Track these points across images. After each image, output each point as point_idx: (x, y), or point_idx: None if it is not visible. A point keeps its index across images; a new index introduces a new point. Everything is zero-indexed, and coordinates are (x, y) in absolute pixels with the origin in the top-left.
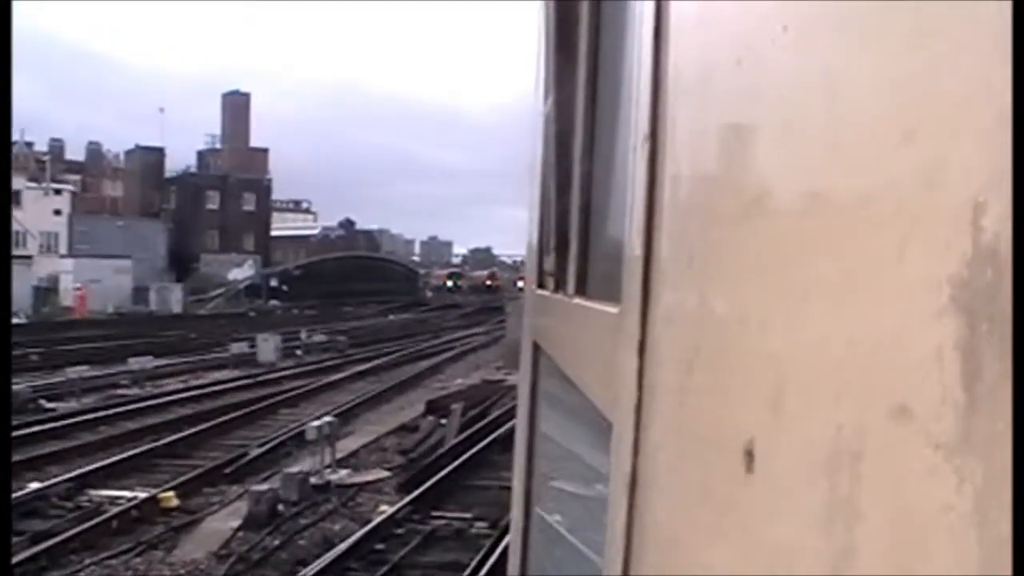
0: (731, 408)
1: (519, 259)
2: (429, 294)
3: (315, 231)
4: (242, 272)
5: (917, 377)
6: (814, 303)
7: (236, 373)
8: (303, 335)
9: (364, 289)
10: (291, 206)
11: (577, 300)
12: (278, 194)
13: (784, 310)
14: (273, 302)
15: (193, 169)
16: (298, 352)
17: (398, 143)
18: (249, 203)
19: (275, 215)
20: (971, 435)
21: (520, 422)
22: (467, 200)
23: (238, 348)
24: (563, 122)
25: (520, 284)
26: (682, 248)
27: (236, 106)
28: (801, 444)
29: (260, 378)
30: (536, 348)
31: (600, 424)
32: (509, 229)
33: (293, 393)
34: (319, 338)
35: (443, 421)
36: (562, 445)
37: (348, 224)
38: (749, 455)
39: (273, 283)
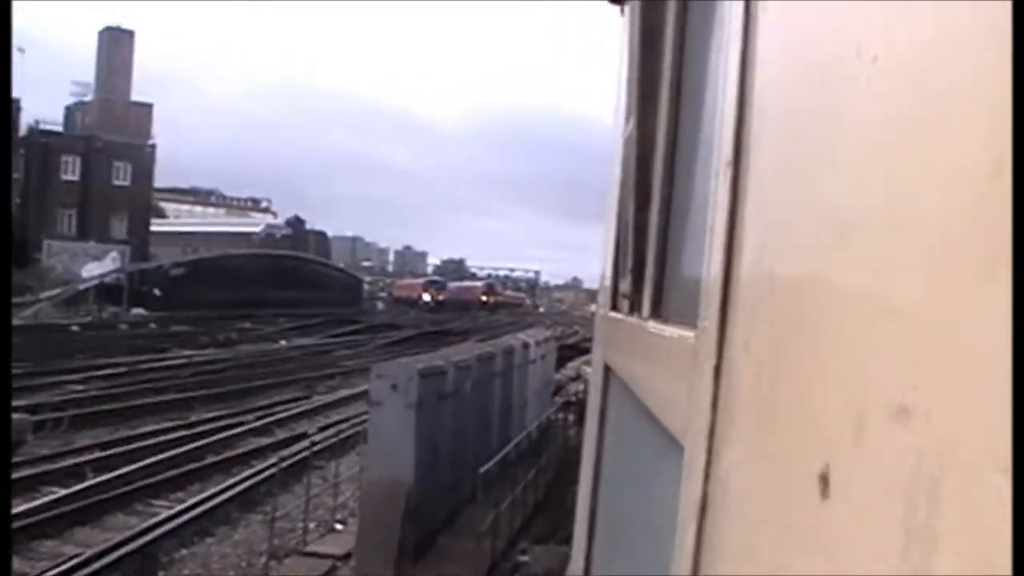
0: (808, 434)
1: (491, 272)
2: (380, 306)
3: (257, 228)
4: (101, 267)
5: (994, 403)
6: (898, 328)
7: None
8: None
9: (284, 298)
10: (249, 204)
11: (651, 323)
12: (237, 192)
13: (867, 336)
14: (138, 311)
15: (54, 128)
16: None
17: (360, 144)
18: (122, 175)
19: (230, 212)
20: None
21: (587, 448)
22: (436, 206)
23: None
24: (644, 146)
25: (485, 299)
26: (763, 273)
27: (115, 46)
28: (879, 469)
29: None
30: (607, 371)
31: (671, 448)
32: (480, 241)
33: None
34: None
35: None
36: (630, 470)
37: (297, 222)
38: (824, 480)
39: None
